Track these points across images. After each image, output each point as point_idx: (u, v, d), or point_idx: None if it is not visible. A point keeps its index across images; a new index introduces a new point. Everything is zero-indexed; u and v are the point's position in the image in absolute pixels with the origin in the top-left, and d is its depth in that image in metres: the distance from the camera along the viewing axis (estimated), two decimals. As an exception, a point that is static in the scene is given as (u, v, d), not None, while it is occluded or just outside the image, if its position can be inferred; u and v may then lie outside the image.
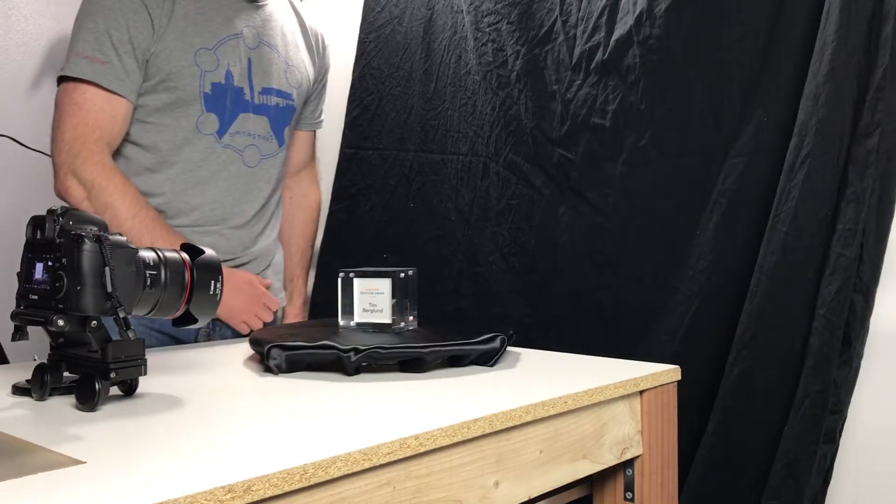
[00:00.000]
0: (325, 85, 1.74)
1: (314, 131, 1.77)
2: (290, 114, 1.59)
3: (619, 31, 1.50)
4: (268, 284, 1.55)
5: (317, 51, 1.68)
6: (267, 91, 1.53)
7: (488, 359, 1.12)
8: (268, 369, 1.09)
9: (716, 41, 1.39)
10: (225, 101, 1.45)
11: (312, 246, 1.79)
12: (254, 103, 1.50)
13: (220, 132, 1.46)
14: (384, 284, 1.23)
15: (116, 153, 1.41)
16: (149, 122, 1.41)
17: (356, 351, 1.04)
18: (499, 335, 1.13)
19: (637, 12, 1.46)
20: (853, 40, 1.22)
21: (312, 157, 1.79)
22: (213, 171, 1.46)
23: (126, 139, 1.42)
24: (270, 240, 1.60)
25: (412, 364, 1.08)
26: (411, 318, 1.25)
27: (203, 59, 1.42)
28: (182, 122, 1.42)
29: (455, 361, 1.12)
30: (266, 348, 1.08)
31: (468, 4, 1.76)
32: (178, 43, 1.39)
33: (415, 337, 1.15)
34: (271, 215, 1.60)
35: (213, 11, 1.44)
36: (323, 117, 1.77)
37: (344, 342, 1.07)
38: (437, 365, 1.10)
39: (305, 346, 1.08)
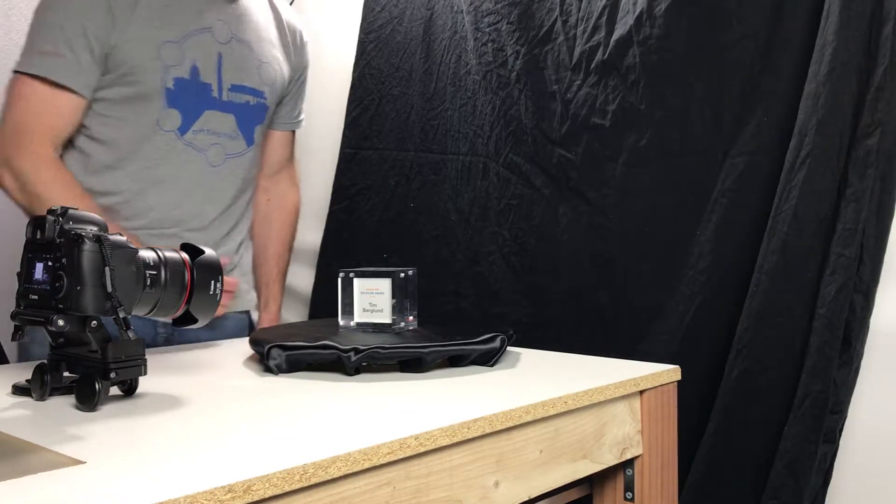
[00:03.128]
0: (303, 83, 1.68)
1: (293, 131, 1.72)
2: (261, 112, 1.53)
3: (619, 31, 1.50)
4: (233, 283, 1.49)
5: (293, 47, 1.62)
6: (237, 88, 1.47)
7: (488, 359, 1.12)
8: (268, 369, 1.09)
9: (716, 41, 1.39)
10: (188, 97, 1.41)
11: (290, 250, 1.73)
12: (221, 100, 1.45)
13: (182, 129, 1.41)
14: (384, 284, 1.23)
15: (76, 149, 1.39)
16: (108, 115, 1.37)
17: (356, 351, 1.04)
18: (499, 335, 1.13)
19: (637, 12, 1.46)
20: (853, 40, 1.22)
21: (291, 157, 1.73)
22: (172, 170, 1.41)
23: (86, 134, 1.38)
24: (236, 243, 1.55)
25: (412, 364, 1.08)
26: (411, 318, 1.25)
27: (167, 53, 1.37)
28: (142, 117, 1.38)
29: (455, 361, 1.12)
30: (266, 348, 1.08)
31: (468, 4, 1.76)
32: (141, 35, 1.34)
33: (415, 337, 1.15)
34: (238, 217, 1.54)
35: (180, 4, 1.40)
36: (303, 117, 1.71)
37: (344, 342, 1.07)
38: (437, 365, 1.10)
39: (305, 346, 1.08)
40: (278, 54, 1.58)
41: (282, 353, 1.08)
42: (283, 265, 1.72)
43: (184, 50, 1.40)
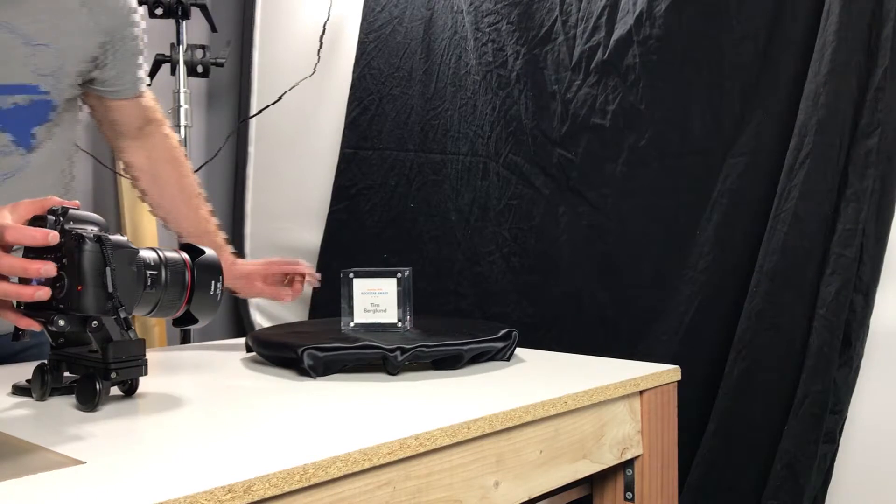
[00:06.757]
0: (135, 51, 1.28)
1: (139, 96, 1.34)
2: (42, 110, 1.19)
3: (619, 31, 1.50)
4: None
5: (103, 10, 1.22)
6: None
7: (504, 353, 1.14)
8: (303, 372, 1.06)
9: (716, 41, 1.39)
10: None
11: (198, 185, 1.42)
12: None
13: None
14: (387, 284, 1.23)
15: None
16: None
17: (402, 350, 1.04)
18: (511, 330, 1.16)
19: (637, 12, 1.46)
20: (853, 40, 1.22)
21: (151, 112, 1.37)
22: None
23: None
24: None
25: (447, 361, 1.09)
26: (409, 317, 1.25)
27: None
28: None
29: (476, 358, 1.13)
30: (300, 351, 1.05)
31: (468, 4, 1.76)
32: None
33: (445, 334, 1.16)
34: None
35: None
36: (142, 81, 1.34)
37: (385, 342, 1.07)
38: (466, 362, 1.11)
39: (345, 347, 1.06)
40: (70, 27, 1.19)
41: (317, 355, 1.06)
42: (205, 204, 1.41)
43: None
